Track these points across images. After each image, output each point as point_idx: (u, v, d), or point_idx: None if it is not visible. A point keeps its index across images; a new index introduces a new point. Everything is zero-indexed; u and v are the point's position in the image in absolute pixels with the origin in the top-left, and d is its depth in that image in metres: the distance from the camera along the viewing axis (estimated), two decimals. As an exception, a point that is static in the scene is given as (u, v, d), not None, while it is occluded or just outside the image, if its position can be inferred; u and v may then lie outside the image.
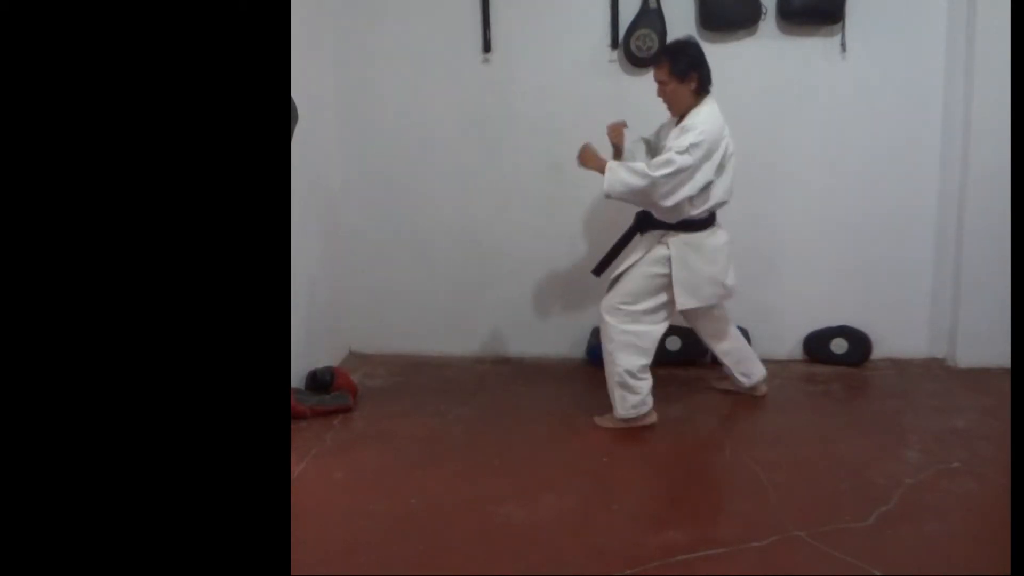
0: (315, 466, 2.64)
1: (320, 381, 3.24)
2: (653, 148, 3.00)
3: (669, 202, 2.71)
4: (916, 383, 3.38)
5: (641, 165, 2.73)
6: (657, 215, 2.84)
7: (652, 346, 2.88)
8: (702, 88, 2.76)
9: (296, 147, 2.62)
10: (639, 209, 2.92)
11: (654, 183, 2.67)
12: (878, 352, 3.62)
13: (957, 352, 3.52)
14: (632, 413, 2.87)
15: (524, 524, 2.26)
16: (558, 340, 3.77)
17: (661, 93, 2.81)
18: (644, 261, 2.85)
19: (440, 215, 3.75)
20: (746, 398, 3.19)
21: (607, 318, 2.87)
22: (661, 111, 3.51)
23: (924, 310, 3.62)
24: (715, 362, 3.60)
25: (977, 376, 3.40)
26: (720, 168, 2.75)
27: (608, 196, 2.80)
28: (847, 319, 3.61)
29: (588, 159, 2.87)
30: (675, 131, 2.78)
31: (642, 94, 3.54)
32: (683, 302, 2.83)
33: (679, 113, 2.80)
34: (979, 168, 3.36)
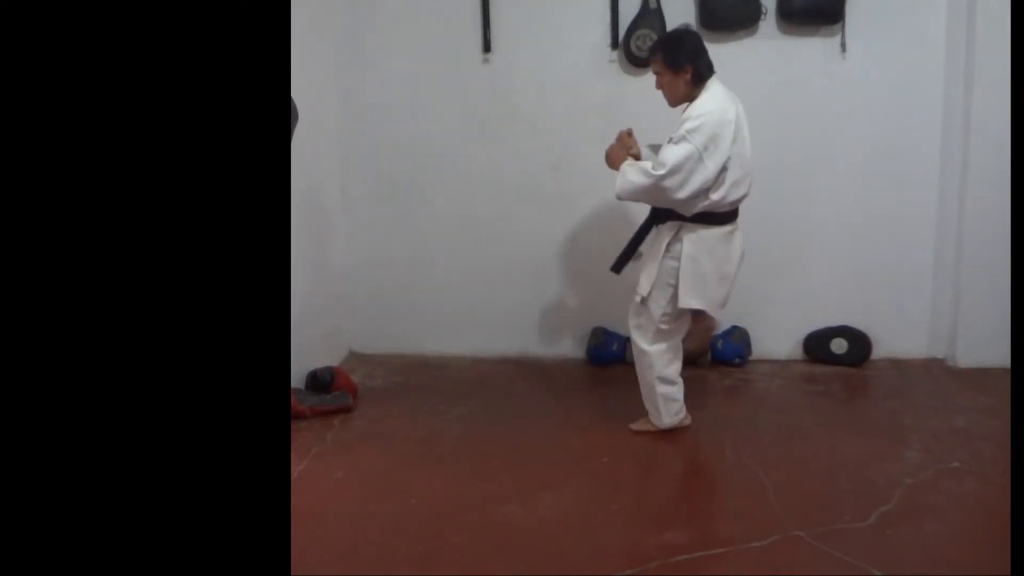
0: (315, 466, 2.64)
1: (320, 381, 3.24)
2: None
3: (682, 194, 2.59)
4: (916, 383, 3.38)
5: (646, 164, 2.65)
6: (677, 208, 2.72)
7: (679, 343, 2.84)
8: (698, 78, 2.65)
9: (296, 147, 2.62)
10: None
11: (658, 180, 2.58)
12: (878, 352, 3.62)
13: (957, 352, 3.52)
14: (675, 420, 2.85)
15: (524, 524, 2.26)
16: (558, 340, 3.77)
17: (658, 85, 2.73)
18: (661, 262, 2.72)
19: (440, 215, 3.75)
20: (746, 398, 3.19)
21: (641, 345, 2.80)
22: (661, 111, 3.52)
23: (924, 310, 3.62)
24: (715, 362, 3.61)
25: (977, 376, 3.39)
26: (734, 156, 2.60)
27: (619, 198, 2.73)
28: (847, 319, 3.61)
29: (616, 158, 2.77)
30: (681, 120, 2.68)
31: (642, 94, 3.55)
32: (687, 301, 2.70)
33: (676, 104, 2.71)
34: (979, 168, 3.35)
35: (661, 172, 2.58)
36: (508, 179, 3.68)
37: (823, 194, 3.57)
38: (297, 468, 2.60)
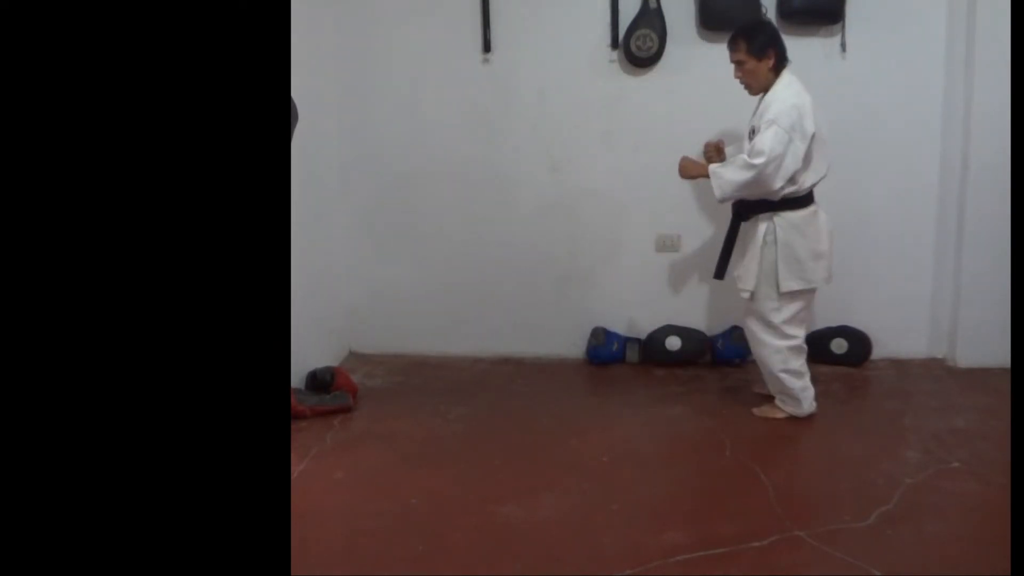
0: (315, 466, 2.64)
1: (320, 381, 3.24)
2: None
3: (780, 182, 2.69)
4: (916, 383, 3.38)
5: (742, 157, 2.70)
6: (770, 196, 2.81)
7: (804, 335, 2.91)
8: (780, 64, 2.75)
9: (296, 147, 2.62)
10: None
11: (760, 171, 2.65)
12: (878, 352, 3.62)
13: (957, 352, 3.52)
14: (814, 407, 2.92)
15: (524, 524, 2.26)
16: (558, 340, 3.77)
17: (739, 73, 2.79)
18: (763, 262, 2.81)
19: (440, 215, 3.75)
20: (746, 398, 3.19)
21: (760, 334, 2.88)
22: (662, 112, 3.53)
23: (924, 310, 3.62)
24: (715, 362, 3.61)
25: (977, 376, 3.39)
26: (811, 140, 2.69)
27: (722, 201, 2.80)
28: (847, 319, 3.61)
29: (689, 169, 2.89)
30: (760, 109, 2.76)
31: (642, 94, 3.56)
32: (787, 284, 2.78)
33: (759, 91, 2.78)
34: (979, 168, 3.36)
35: (761, 160, 2.64)
36: (508, 179, 3.68)
37: (822, 194, 3.55)
38: (297, 468, 2.60)
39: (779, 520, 2.23)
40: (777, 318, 2.84)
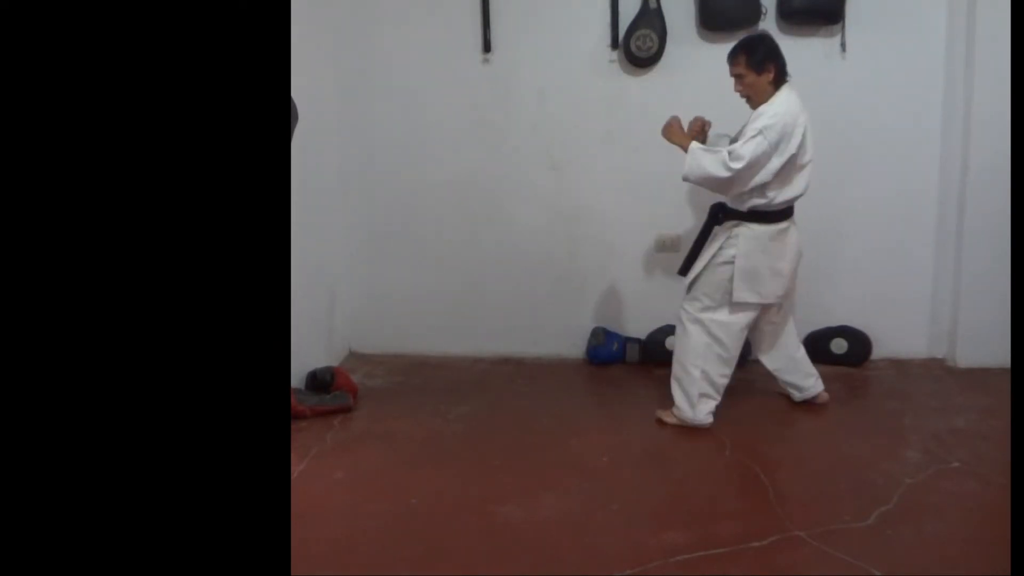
0: (315, 466, 2.64)
1: (320, 381, 3.24)
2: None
3: (743, 187, 2.71)
4: (916, 383, 3.38)
5: (724, 155, 2.69)
6: (730, 202, 2.83)
7: (735, 353, 2.89)
8: (779, 78, 2.75)
9: (296, 147, 2.62)
10: (713, 202, 2.92)
11: (734, 175, 2.66)
12: (878, 352, 3.62)
13: (957, 352, 3.52)
14: (707, 420, 2.88)
15: (524, 524, 2.26)
16: (558, 340, 3.77)
17: (739, 87, 2.78)
18: (716, 256, 2.83)
19: (440, 214, 3.75)
20: (746, 399, 3.19)
21: (688, 325, 2.87)
22: (662, 112, 3.51)
23: (924, 310, 3.62)
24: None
25: (977, 376, 3.39)
26: (795, 158, 2.69)
27: (685, 179, 2.80)
28: (847, 319, 3.61)
29: (673, 133, 2.85)
30: (751, 117, 2.75)
31: (642, 94, 3.56)
32: (740, 295, 2.79)
33: (759, 105, 2.77)
34: (979, 167, 3.36)
35: (739, 166, 2.65)
36: (508, 179, 3.68)
37: (822, 194, 3.57)
38: (297, 468, 2.60)
39: (779, 520, 2.23)
40: (707, 314, 2.84)
